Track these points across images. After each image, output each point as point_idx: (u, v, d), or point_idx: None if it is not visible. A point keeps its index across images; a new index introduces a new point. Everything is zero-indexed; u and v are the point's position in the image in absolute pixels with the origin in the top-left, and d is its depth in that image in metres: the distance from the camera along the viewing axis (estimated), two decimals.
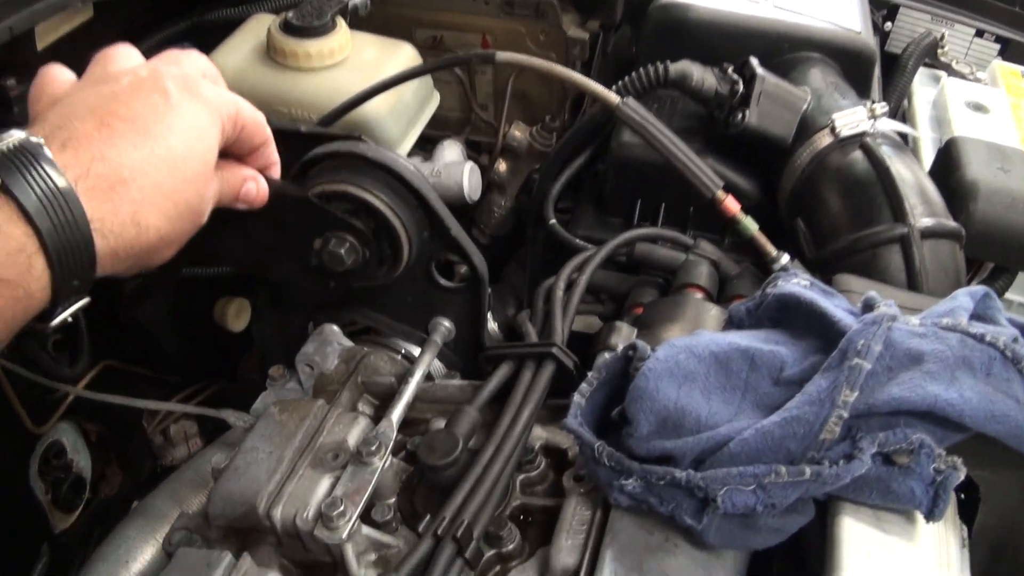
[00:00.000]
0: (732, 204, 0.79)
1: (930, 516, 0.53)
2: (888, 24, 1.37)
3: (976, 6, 1.39)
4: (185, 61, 0.59)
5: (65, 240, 0.47)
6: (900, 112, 1.28)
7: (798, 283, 0.64)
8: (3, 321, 0.46)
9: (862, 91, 0.98)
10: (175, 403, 1.12)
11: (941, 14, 1.36)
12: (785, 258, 0.79)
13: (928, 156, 1.10)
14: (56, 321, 0.50)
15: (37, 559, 1.11)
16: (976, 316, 0.62)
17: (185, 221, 0.55)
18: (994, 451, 0.57)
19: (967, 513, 0.60)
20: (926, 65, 1.34)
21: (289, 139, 0.75)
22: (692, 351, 0.58)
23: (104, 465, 1.23)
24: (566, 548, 0.58)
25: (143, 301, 1.07)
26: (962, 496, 0.61)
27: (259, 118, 0.62)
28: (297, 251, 0.72)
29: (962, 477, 0.53)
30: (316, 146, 0.73)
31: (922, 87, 1.31)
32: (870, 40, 1.00)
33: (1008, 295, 1.06)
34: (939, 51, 1.33)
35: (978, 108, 1.17)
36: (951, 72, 1.33)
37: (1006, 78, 1.29)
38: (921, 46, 1.29)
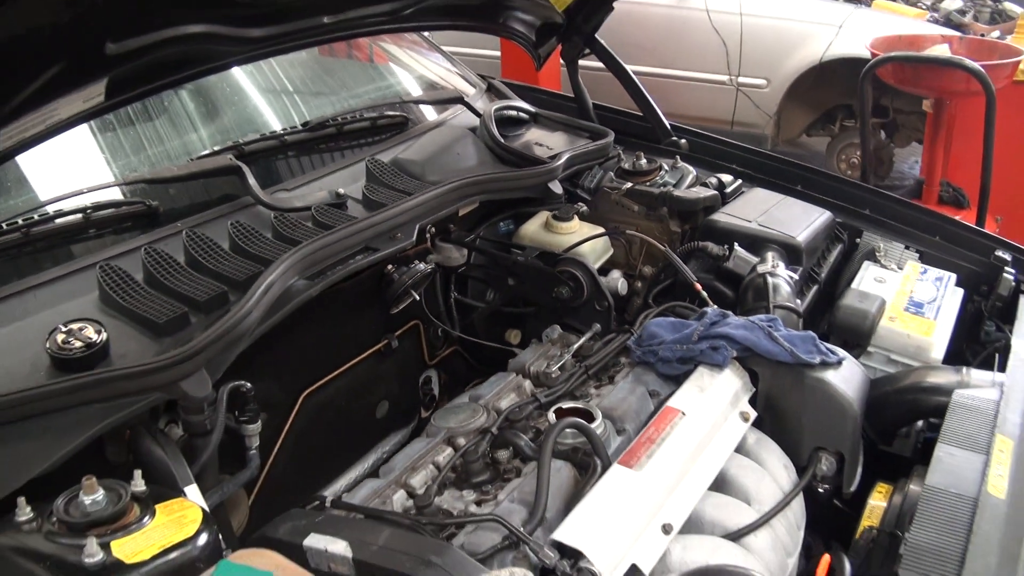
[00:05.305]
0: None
1: (721, 366, 1.79)
2: (857, 240, 2.61)
3: (908, 235, 2.59)
4: None
5: None
6: (850, 284, 2.51)
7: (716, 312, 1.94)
8: None
9: (794, 261, 2.26)
10: None
11: (886, 235, 2.58)
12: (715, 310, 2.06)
13: None
14: None
15: None
16: (765, 322, 1.89)
17: None
18: (760, 357, 1.82)
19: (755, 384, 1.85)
20: (871, 260, 2.56)
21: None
22: (672, 324, 1.90)
23: None
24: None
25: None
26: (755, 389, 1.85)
27: None
28: (550, 289, 2.11)
29: (735, 354, 1.79)
30: (559, 261, 2.14)
31: (864, 271, 2.52)
32: (801, 242, 2.28)
33: (863, 361, 2.25)
34: (878, 254, 2.55)
35: (878, 280, 2.40)
36: (881, 265, 2.54)
37: (911, 269, 2.49)
38: (864, 252, 2.53)
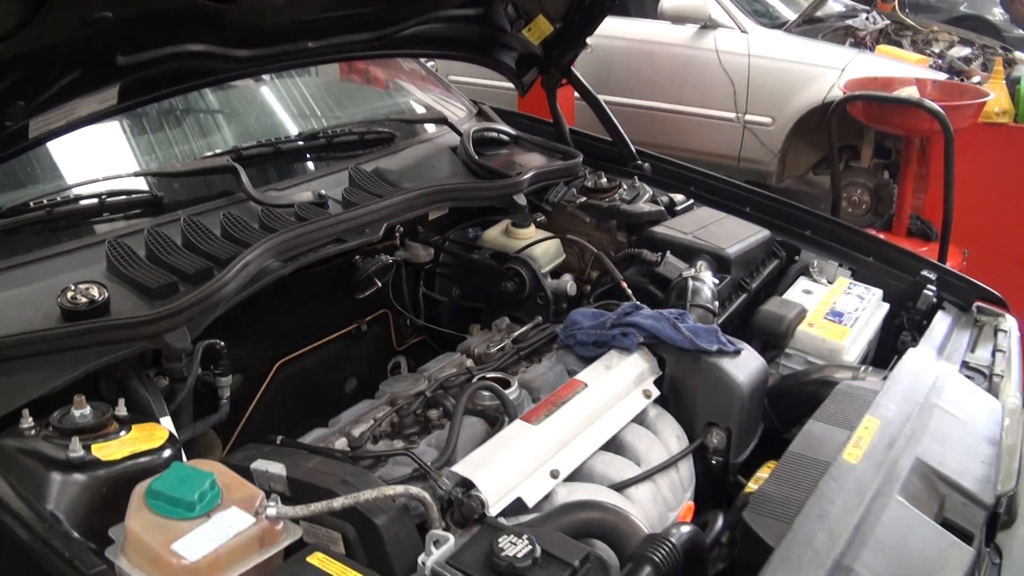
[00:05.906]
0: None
1: (630, 350, 2.08)
2: (796, 257, 2.88)
3: (845, 255, 2.85)
4: None
5: None
6: (783, 294, 2.77)
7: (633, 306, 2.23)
8: None
9: (723, 270, 2.54)
10: None
11: (822, 254, 2.84)
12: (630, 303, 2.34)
13: None
14: None
15: None
16: (674, 315, 2.17)
17: None
18: (668, 345, 2.11)
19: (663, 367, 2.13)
20: (805, 275, 2.82)
21: (499, 258, 2.48)
22: (592, 313, 2.19)
23: None
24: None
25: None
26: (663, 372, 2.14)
27: None
28: (499, 284, 2.42)
29: (641, 339, 2.08)
30: (509, 260, 2.45)
31: (796, 284, 2.78)
32: (731, 254, 2.56)
33: (781, 361, 2.51)
34: (812, 270, 2.81)
35: (806, 291, 2.67)
36: (813, 280, 2.80)
37: (839, 284, 2.75)
38: (797, 267, 2.80)
